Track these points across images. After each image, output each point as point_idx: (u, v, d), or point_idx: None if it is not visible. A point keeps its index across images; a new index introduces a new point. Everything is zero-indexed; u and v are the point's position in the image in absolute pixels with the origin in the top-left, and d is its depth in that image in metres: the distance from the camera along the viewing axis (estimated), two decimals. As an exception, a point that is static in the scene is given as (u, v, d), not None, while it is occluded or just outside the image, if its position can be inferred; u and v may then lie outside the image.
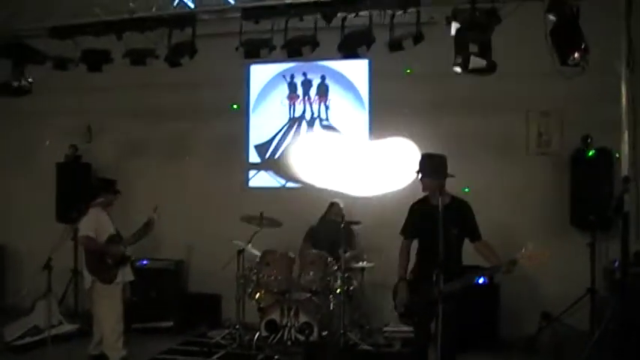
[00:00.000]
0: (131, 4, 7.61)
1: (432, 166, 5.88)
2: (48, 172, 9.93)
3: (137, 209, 8.02)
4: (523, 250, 5.41)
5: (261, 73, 9.93)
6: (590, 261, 7.88)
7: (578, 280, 7.89)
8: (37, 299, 8.20)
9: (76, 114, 10.16)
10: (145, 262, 9.24)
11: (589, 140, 8.08)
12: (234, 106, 9.84)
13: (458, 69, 6.47)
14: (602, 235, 8.01)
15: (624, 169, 6.19)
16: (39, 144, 10.41)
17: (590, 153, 8.11)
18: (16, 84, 7.89)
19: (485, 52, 6.33)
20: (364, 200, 9.23)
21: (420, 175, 5.90)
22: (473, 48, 6.34)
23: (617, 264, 7.05)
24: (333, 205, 8.91)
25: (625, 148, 6.21)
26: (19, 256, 10.54)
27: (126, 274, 7.37)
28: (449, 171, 5.88)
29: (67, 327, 8.50)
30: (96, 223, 7.17)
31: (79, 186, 9.50)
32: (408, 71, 8.86)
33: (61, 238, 7.09)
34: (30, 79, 7.96)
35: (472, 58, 6.32)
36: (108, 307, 7.19)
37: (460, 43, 6.44)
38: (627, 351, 5.26)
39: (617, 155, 6.79)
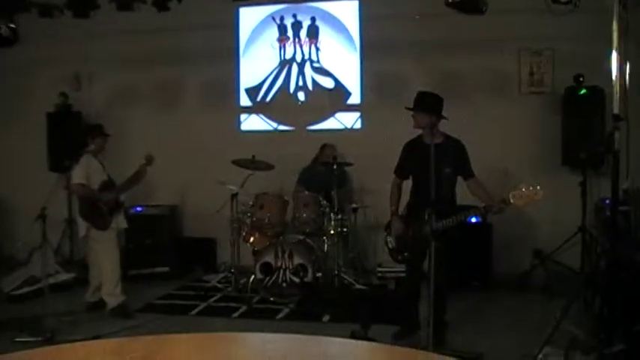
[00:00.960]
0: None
1: (425, 102, 5.89)
2: (39, 122, 9.89)
3: (129, 156, 8.03)
4: (516, 190, 5.45)
5: (250, 16, 9.81)
6: (582, 199, 7.92)
7: (570, 218, 7.95)
8: (32, 249, 8.23)
9: (64, 62, 10.02)
10: (139, 208, 9.26)
11: (581, 79, 8.06)
12: None
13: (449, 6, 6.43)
14: (593, 173, 8.04)
15: (615, 106, 6.18)
16: (28, 94, 10.31)
17: (582, 91, 8.09)
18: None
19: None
20: (357, 141, 9.24)
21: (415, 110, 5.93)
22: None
23: (607, 202, 7.10)
24: (325, 146, 8.92)
25: (616, 85, 6.18)
26: (12, 207, 10.54)
27: (120, 222, 7.42)
28: (443, 113, 5.89)
29: (64, 276, 8.56)
30: (88, 171, 7.17)
31: (71, 135, 9.46)
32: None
33: (54, 188, 7.09)
34: (12, 25, 7.81)
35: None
36: (104, 254, 7.24)
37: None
38: (616, 288, 5.33)
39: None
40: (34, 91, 10.28)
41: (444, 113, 5.89)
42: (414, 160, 6.01)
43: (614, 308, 5.33)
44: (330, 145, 8.91)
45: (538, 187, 5.42)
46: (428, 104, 5.87)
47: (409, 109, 5.92)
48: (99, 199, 7.14)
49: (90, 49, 9.85)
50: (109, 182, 7.33)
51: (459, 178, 6.01)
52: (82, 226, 7.26)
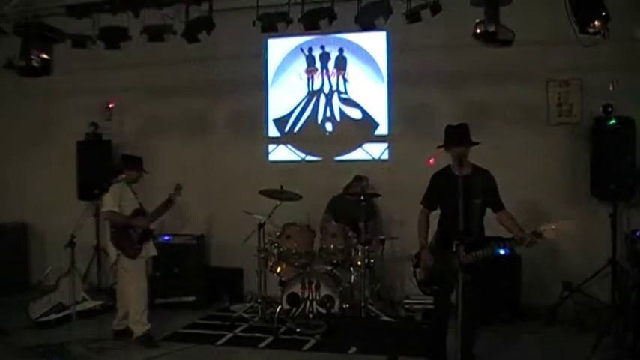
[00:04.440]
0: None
1: (457, 134, 5.87)
2: (69, 151, 10.02)
3: (158, 186, 8.07)
4: (548, 222, 5.40)
5: (278, 47, 9.89)
6: (612, 231, 7.83)
7: (600, 250, 7.85)
8: (60, 276, 8.30)
9: (95, 92, 10.20)
10: (167, 237, 9.30)
11: (610, 109, 7.99)
12: None
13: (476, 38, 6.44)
14: (623, 205, 7.95)
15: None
16: (59, 123, 10.48)
17: (611, 122, 8.01)
18: (23, 63, 7.90)
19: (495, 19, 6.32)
20: (384, 172, 9.24)
21: (446, 147, 5.92)
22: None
23: (638, 234, 7.02)
24: (360, 179, 8.87)
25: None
26: (42, 235, 10.68)
27: (149, 249, 7.46)
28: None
29: (91, 303, 8.61)
30: (119, 199, 7.24)
31: (100, 163, 9.59)
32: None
33: (83, 216, 7.15)
34: (45, 57, 7.95)
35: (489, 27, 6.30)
36: (133, 282, 7.28)
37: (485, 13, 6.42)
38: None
39: None
40: (64, 120, 10.45)
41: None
42: (442, 191, 5.97)
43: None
44: (364, 177, 8.88)
45: (570, 220, 5.37)
46: (458, 138, 5.85)
47: (441, 147, 5.92)
48: (131, 225, 7.20)
49: (121, 79, 10.00)
50: (140, 211, 7.39)
51: (488, 211, 5.97)
52: (112, 253, 7.31)
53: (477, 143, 5.88)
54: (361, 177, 8.88)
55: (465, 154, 5.79)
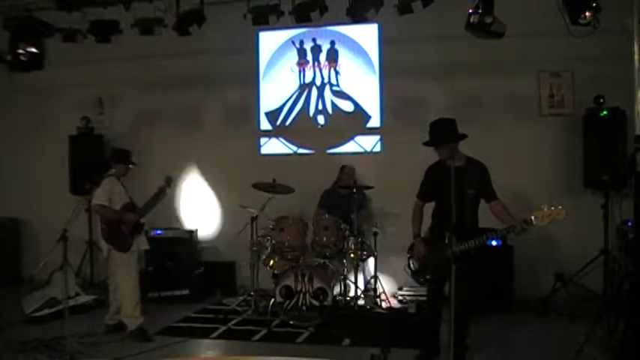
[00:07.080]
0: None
1: (443, 132, 5.86)
2: (61, 145, 9.99)
3: (150, 179, 8.05)
4: (538, 210, 5.42)
5: (270, 40, 9.87)
6: (604, 221, 7.86)
7: (592, 240, 7.88)
8: (53, 271, 8.29)
9: (86, 86, 10.18)
10: (159, 231, 9.27)
11: (601, 100, 8.01)
12: None
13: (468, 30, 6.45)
14: (615, 195, 7.97)
15: (637, 127, 6.13)
16: (51, 117, 10.45)
17: (603, 113, 8.03)
18: (10, 57, 7.87)
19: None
20: (376, 164, 9.24)
21: (433, 144, 5.92)
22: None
23: (629, 224, 7.04)
24: (344, 167, 8.94)
25: (638, 107, 6.14)
26: (34, 229, 10.64)
27: (141, 243, 7.45)
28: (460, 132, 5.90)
29: (84, 298, 8.61)
30: (110, 193, 7.22)
31: (92, 158, 9.56)
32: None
33: (76, 210, 7.11)
34: (34, 50, 7.92)
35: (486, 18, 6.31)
36: (124, 276, 7.27)
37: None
38: (640, 310, 5.27)
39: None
40: (56, 114, 10.41)
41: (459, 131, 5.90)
42: (436, 183, 5.98)
43: (638, 332, 5.26)
44: (350, 165, 8.92)
45: (560, 207, 5.39)
46: (445, 135, 5.84)
47: (426, 144, 5.92)
48: (120, 219, 7.18)
49: (112, 73, 9.98)
50: (130, 205, 7.37)
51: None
52: (104, 247, 7.30)
53: (465, 137, 5.88)
54: (345, 165, 8.97)
55: (454, 149, 5.78)
